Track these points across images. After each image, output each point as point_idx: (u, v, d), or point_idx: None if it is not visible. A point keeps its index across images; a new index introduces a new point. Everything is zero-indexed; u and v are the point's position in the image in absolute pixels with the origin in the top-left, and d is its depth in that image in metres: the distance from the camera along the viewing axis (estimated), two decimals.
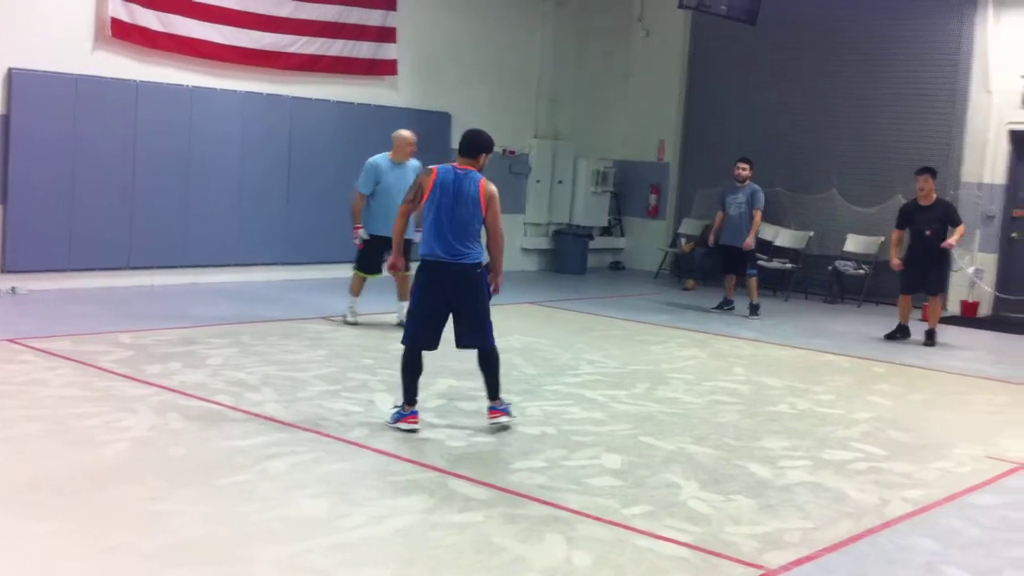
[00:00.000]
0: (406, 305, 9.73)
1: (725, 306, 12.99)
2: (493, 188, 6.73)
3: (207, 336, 9.18)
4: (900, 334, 11.49)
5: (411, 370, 6.69)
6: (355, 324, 10.18)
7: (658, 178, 17.16)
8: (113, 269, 11.67)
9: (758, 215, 12.58)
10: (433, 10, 14.66)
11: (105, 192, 11.51)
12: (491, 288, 6.80)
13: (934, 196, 11.36)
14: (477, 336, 6.71)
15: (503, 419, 6.77)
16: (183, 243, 12.22)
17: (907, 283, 11.54)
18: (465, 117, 15.05)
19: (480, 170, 6.80)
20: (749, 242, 12.54)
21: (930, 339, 11.36)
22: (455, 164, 6.84)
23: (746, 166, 12.71)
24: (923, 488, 6.11)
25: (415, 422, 6.62)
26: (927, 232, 11.21)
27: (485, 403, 6.94)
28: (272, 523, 4.88)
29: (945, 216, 11.31)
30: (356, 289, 10.26)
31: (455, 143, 15.44)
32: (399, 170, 9.90)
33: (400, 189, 9.70)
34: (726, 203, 12.79)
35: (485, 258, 6.80)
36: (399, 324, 9.49)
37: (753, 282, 12.78)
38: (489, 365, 6.77)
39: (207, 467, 5.63)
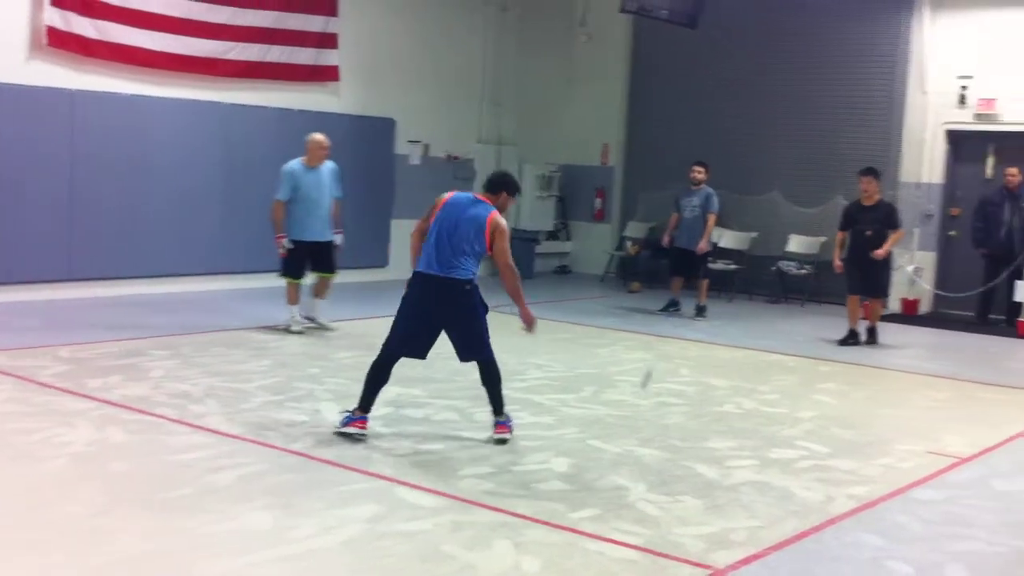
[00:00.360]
0: (319, 303, 10.32)
1: (671, 308, 13.04)
2: (504, 223, 6.66)
3: (148, 348, 9.05)
4: (852, 339, 11.40)
5: (377, 378, 6.66)
6: (301, 333, 10.10)
7: (603, 182, 17.22)
8: (52, 281, 11.46)
9: (712, 219, 12.65)
10: (374, 16, 14.60)
11: (43, 203, 11.31)
12: (527, 325, 6.82)
13: (877, 197, 11.40)
14: (473, 350, 6.69)
15: (506, 435, 6.69)
16: (123, 254, 12.03)
17: (852, 284, 11.56)
18: (408, 123, 15.07)
19: (500, 209, 6.72)
20: (703, 246, 12.62)
21: (871, 337, 11.47)
22: (476, 194, 6.83)
23: (701, 169, 12.77)
24: (867, 484, 6.18)
25: (364, 427, 6.58)
26: (867, 232, 11.25)
27: (432, 411, 6.94)
28: (217, 537, 4.81)
29: (886, 217, 11.33)
30: (293, 297, 10.23)
31: (399, 148, 15.57)
32: (314, 174, 10.04)
33: (318, 192, 10.02)
34: (680, 205, 12.85)
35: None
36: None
37: (704, 284, 12.88)
38: (488, 379, 6.70)
39: (150, 481, 5.54)
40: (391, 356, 6.67)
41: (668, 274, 13.57)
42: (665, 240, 13.13)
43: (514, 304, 6.82)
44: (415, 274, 6.69)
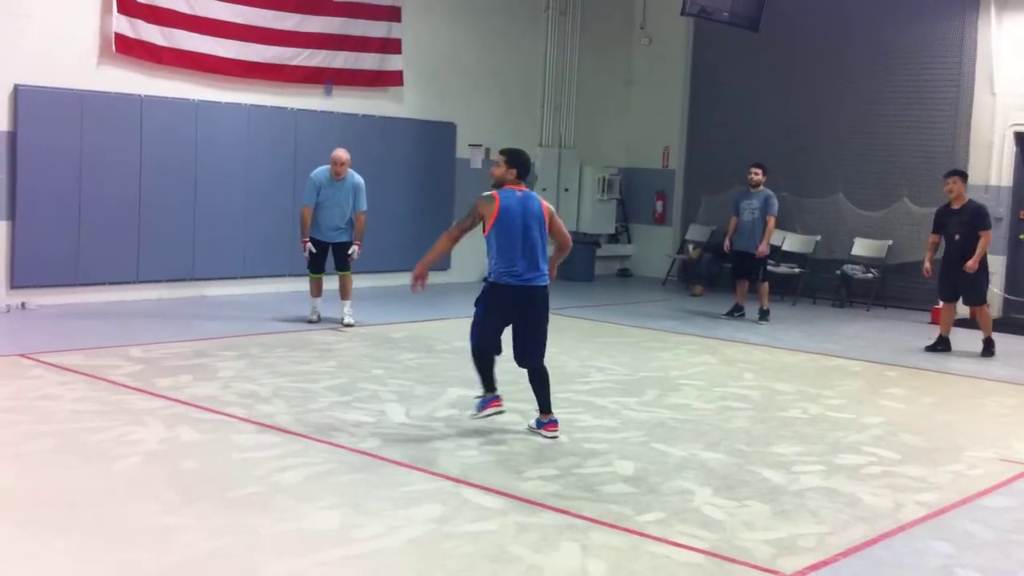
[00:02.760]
0: (342, 303, 10.74)
1: (736, 312, 12.94)
2: (549, 203, 7.02)
3: (216, 349, 9.19)
4: (940, 346, 11.11)
5: (484, 364, 7.05)
6: (313, 322, 10.74)
7: (663, 185, 17.17)
8: (121, 283, 11.69)
9: (772, 221, 12.53)
10: (436, 21, 14.68)
11: (112, 207, 11.53)
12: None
13: (965, 198, 11.01)
14: (535, 358, 6.87)
15: (556, 432, 6.84)
16: (190, 256, 12.24)
17: (944, 290, 11.22)
18: (470, 127, 15.13)
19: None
20: (763, 249, 12.53)
21: (988, 349, 11.02)
22: (511, 187, 6.88)
23: (759, 171, 12.67)
24: (936, 491, 6.09)
25: (500, 405, 7.11)
26: (956, 237, 10.90)
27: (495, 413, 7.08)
28: (284, 536, 4.87)
29: (972, 219, 10.82)
30: (312, 290, 10.92)
31: (460, 152, 15.60)
32: (336, 186, 10.53)
33: (337, 203, 10.57)
34: (740, 208, 12.75)
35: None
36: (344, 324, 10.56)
37: (764, 288, 12.75)
38: (539, 382, 6.90)
39: (219, 480, 5.62)
40: (482, 352, 7.01)
41: (731, 278, 13.48)
42: (726, 245, 13.01)
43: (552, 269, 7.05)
44: (493, 286, 6.80)
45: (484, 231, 6.78)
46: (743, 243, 12.68)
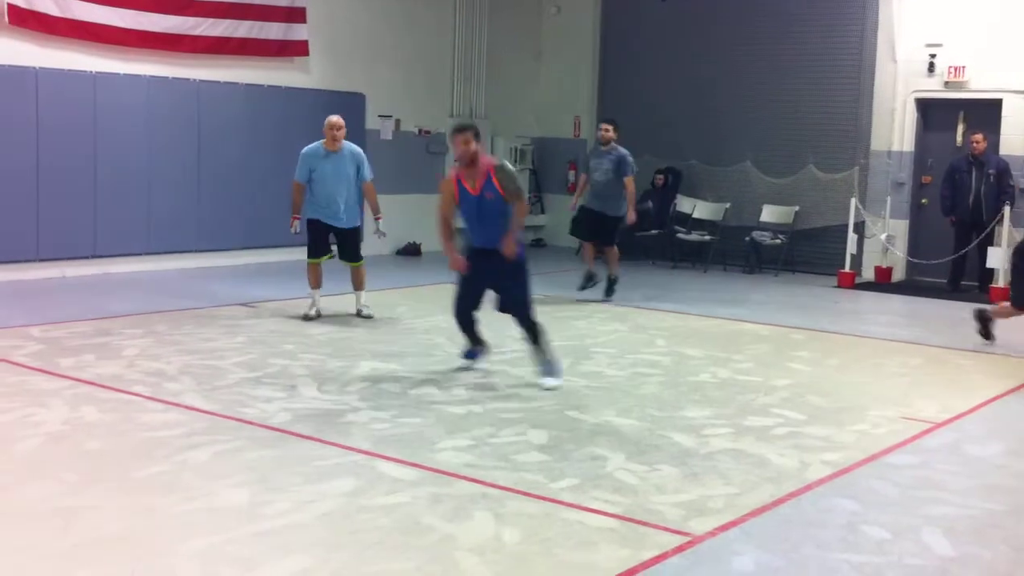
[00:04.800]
0: (358, 295, 9.94)
1: (589, 283, 11.75)
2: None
3: (121, 327, 8.98)
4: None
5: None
6: (311, 318, 9.67)
7: (575, 154, 17.18)
8: (20, 262, 11.35)
9: (630, 183, 11.49)
10: None
11: (9, 183, 11.18)
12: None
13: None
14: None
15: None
16: (91, 232, 11.92)
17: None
18: (379, 98, 14.97)
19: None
20: (631, 216, 11.65)
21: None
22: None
23: (609, 127, 11.55)
24: (842, 451, 6.22)
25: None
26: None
27: (409, 385, 7.06)
28: (192, 514, 4.78)
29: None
30: (310, 278, 9.85)
31: (369, 124, 15.40)
32: (332, 158, 9.60)
33: (336, 178, 9.56)
34: (589, 167, 11.72)
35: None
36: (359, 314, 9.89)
37: (614, 253, 11.69)
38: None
39: (124, 460, 5.50)
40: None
41: (577, 240, 12.63)
42: (573, 203, 12.26)
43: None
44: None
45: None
46: (598, 203, 11.61)
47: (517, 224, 7.53)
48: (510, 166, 7.72)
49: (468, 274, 7.58)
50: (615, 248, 11.76)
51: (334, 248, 9.93)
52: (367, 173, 9.79)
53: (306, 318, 9.66)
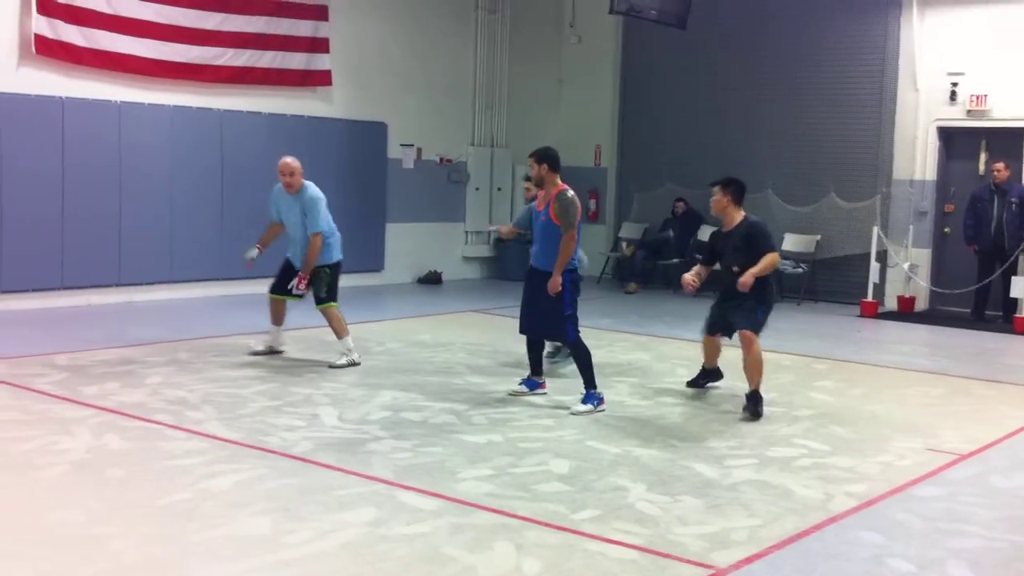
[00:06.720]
0: (340, 342, 8.93)
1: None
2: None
3: (144, 355, 9.02)
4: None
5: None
6: (264, 353, 9.20)
7: (596, 183, 17.22)
8: (45, 290, 11.43)
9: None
10: (365, 21, 14.58)
11: (35, 211, 11.28)
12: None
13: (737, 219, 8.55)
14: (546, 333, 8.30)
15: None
16: (116, 261, 12.00)
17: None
18: (401, 127, 15.05)
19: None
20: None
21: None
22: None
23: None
24: (866, 482, 6.17)
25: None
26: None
27: (430, 414, 7.09)
28: (214, 542, 4.78)
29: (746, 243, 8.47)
30: (271, 315, 9.32)
31: (391, 152, 15.50)
32: (289, 200, 9.00)
33: (290, 222, 9.00)
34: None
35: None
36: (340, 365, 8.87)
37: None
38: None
39: (147, 488, 5.51)
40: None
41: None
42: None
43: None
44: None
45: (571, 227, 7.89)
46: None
47: (562, 254, 7.93)
48: (571, 197, 8.00)
49: (524, 292, 8.17)
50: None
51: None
52: (314, 224, 8.82)
53: (252, 352, 9.21)
